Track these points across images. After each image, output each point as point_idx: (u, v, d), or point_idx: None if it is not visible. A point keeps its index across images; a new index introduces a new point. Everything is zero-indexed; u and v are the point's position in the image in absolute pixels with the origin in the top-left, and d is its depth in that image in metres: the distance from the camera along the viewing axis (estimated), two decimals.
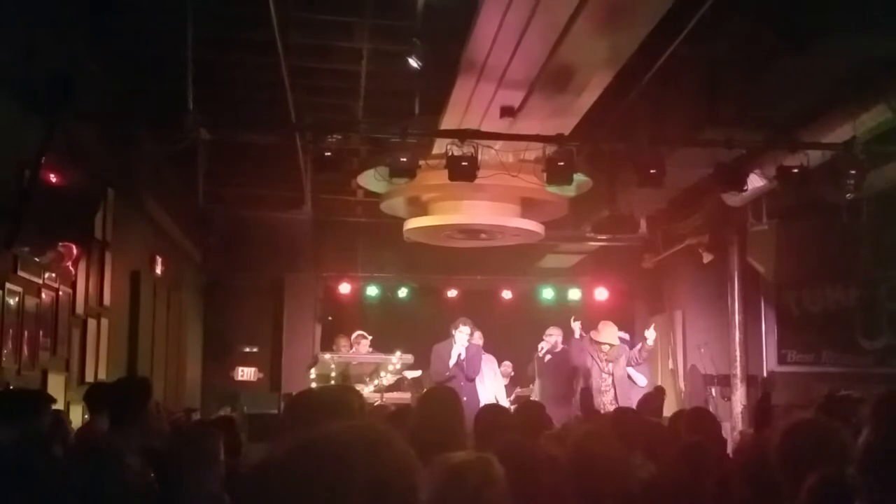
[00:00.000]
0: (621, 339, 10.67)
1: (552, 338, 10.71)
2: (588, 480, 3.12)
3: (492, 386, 10.35)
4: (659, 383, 12.16)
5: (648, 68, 7.35)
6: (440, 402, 3.88)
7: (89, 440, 4.76)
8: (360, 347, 11.19)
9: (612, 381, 10.18)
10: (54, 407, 6.34)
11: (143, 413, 4.11)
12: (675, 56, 7.11)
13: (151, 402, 4.30)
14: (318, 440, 1.57)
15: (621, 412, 5.04)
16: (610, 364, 10.24)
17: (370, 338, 11.26)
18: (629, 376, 10.40)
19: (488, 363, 10.49)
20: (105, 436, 4.32)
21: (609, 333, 10.43)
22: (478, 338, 10.48)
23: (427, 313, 12.91)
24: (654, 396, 8.77)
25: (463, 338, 9.96)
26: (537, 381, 10.76)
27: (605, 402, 9.93)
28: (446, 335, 10.25)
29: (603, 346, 10.32)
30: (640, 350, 10.56)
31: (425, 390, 4.60)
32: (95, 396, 5.41)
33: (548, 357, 10.67)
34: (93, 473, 3.28)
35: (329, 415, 3.31)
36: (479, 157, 7.60)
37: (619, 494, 3.16)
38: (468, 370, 9.86)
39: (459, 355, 9.87)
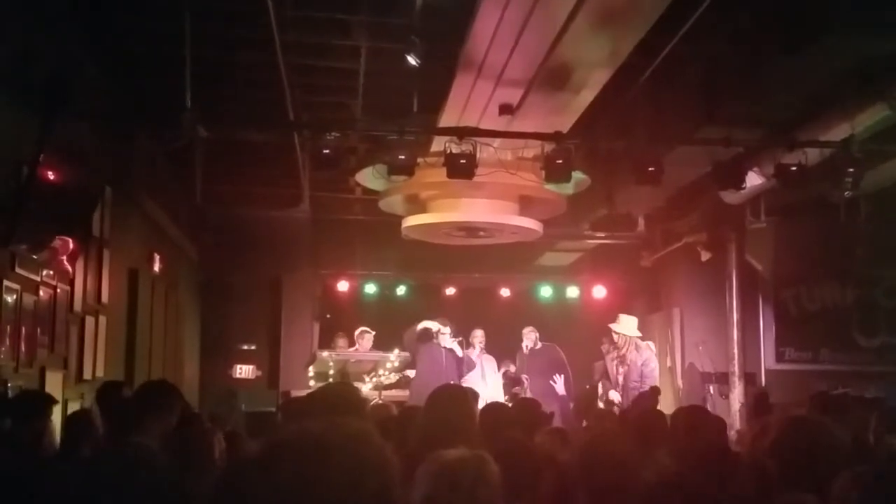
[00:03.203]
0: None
1: (533, 335, 10.81)
2: (596, 478, 3.11)
3: (493, 385, 10.39)
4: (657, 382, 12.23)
5: (647, 66, 7.35)
6: (449, 400, 3.86)
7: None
8: (363, 343, 11.16)
9: (624, 378, 10.02)
10: (76, 403, 6.38)
11: (171, 415, 4.10)
12: (674, 54, 7.11)
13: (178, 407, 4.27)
14: (296, 436, 1.58)
15: (645, 412, 5.05)
16: (622, 367, 10.09)
17: (373, 333, 11.24)
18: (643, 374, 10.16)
19: (489, 363, 10.52)
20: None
21: (625, 324, 10.22)
22: (480, 336, 10.49)
23: (425, 311, 12.88)
24: (648, 396, 8.74)
25: (447, 339, 10.07)
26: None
27: (616, 399, 9.94)
28: None
29: (612, 335, 10.19)
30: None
31: (434, 389, 4.60)
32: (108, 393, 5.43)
33: (529, 355, 10.78)
34: (124, 475, 3.27)
35: (326, 412, 3.31)
36: (478, 155, 7.59)
37: (627, 492, 3.14)
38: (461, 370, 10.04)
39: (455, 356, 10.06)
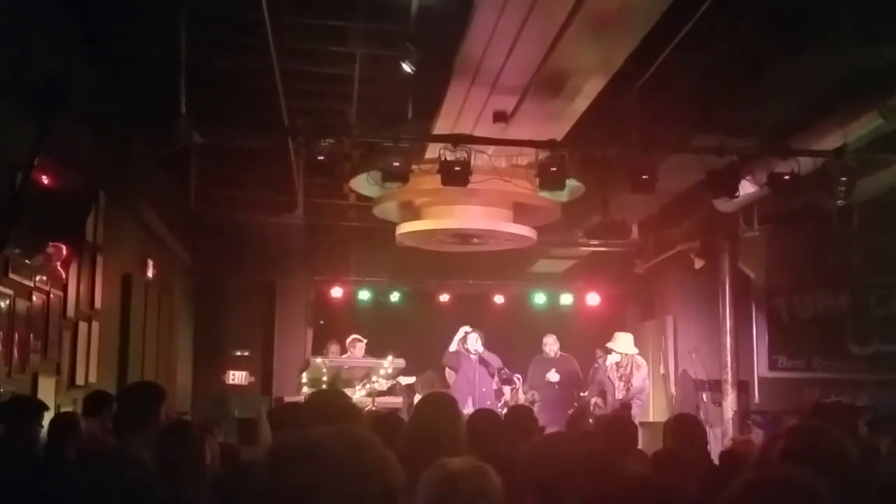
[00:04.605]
0: None
1: (555, 345, 11.09)
2: (543, 477, 3.11)
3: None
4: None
5: (641, 74, 7.37)
6: (436, 406, 3.86)
7: (100, 444, 4.73)
8: (355, 351, 11.18)
9: (625, 394, 10.28)
10: (69, 409, 6.37)
11: (155, 418, 4.07)
12: (668, 63, 7.13)
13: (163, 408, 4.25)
14: (301, 443, 1.59)
15: (616, 420, 5.06)
16: (622, 383, 10.29)
17: (365, 341, 11.26)
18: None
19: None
20: (113, 440, 4.29)
21: (623, 342, 10.55)
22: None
23: (419, 317, 12.91)
24: (622, 409, 8.93)
25: (473, 342, 10.60)
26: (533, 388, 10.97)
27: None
28: (439, 339, 10.35)
29: (610, 355, 10.45)
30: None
31: (422, 396, 4.61)
32: (96, 401, 5.42)
33: (545, 363, 10.88)
34: (107, 477, 3.26)
35: (317, 418, 3.30)
36: (472, 162, 7.61)
37: (574, 492, 3.14)
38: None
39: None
